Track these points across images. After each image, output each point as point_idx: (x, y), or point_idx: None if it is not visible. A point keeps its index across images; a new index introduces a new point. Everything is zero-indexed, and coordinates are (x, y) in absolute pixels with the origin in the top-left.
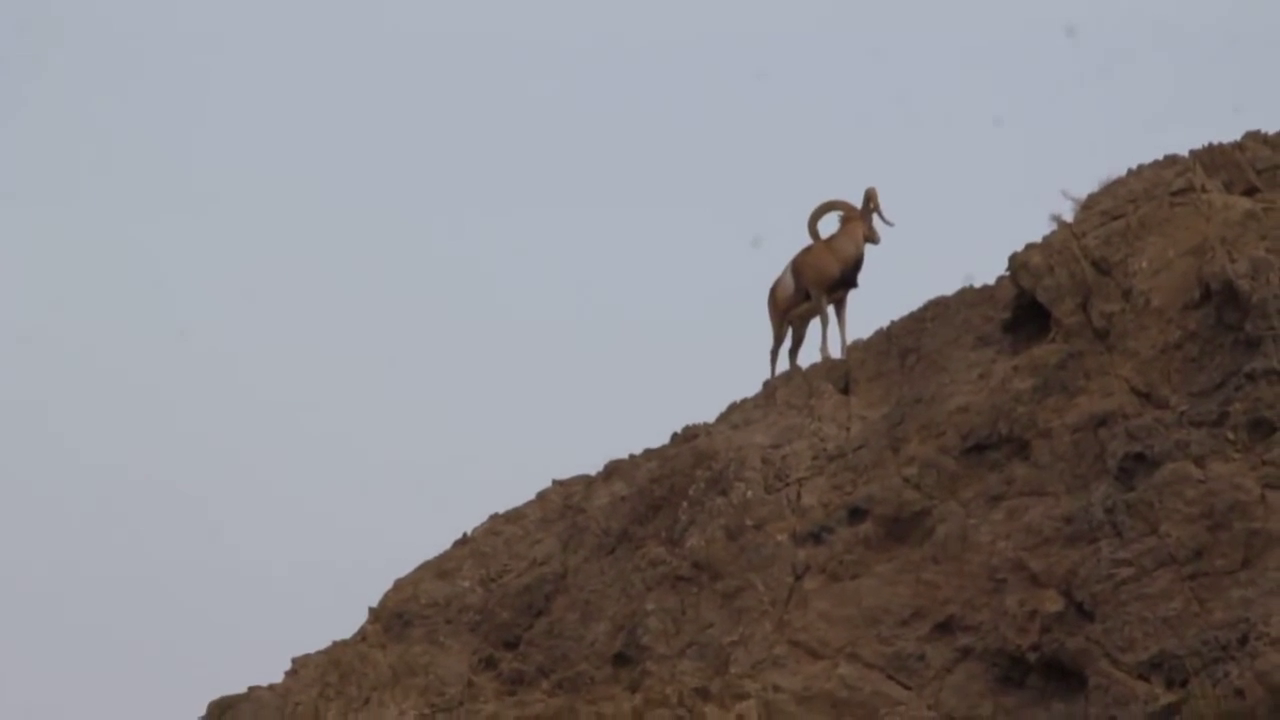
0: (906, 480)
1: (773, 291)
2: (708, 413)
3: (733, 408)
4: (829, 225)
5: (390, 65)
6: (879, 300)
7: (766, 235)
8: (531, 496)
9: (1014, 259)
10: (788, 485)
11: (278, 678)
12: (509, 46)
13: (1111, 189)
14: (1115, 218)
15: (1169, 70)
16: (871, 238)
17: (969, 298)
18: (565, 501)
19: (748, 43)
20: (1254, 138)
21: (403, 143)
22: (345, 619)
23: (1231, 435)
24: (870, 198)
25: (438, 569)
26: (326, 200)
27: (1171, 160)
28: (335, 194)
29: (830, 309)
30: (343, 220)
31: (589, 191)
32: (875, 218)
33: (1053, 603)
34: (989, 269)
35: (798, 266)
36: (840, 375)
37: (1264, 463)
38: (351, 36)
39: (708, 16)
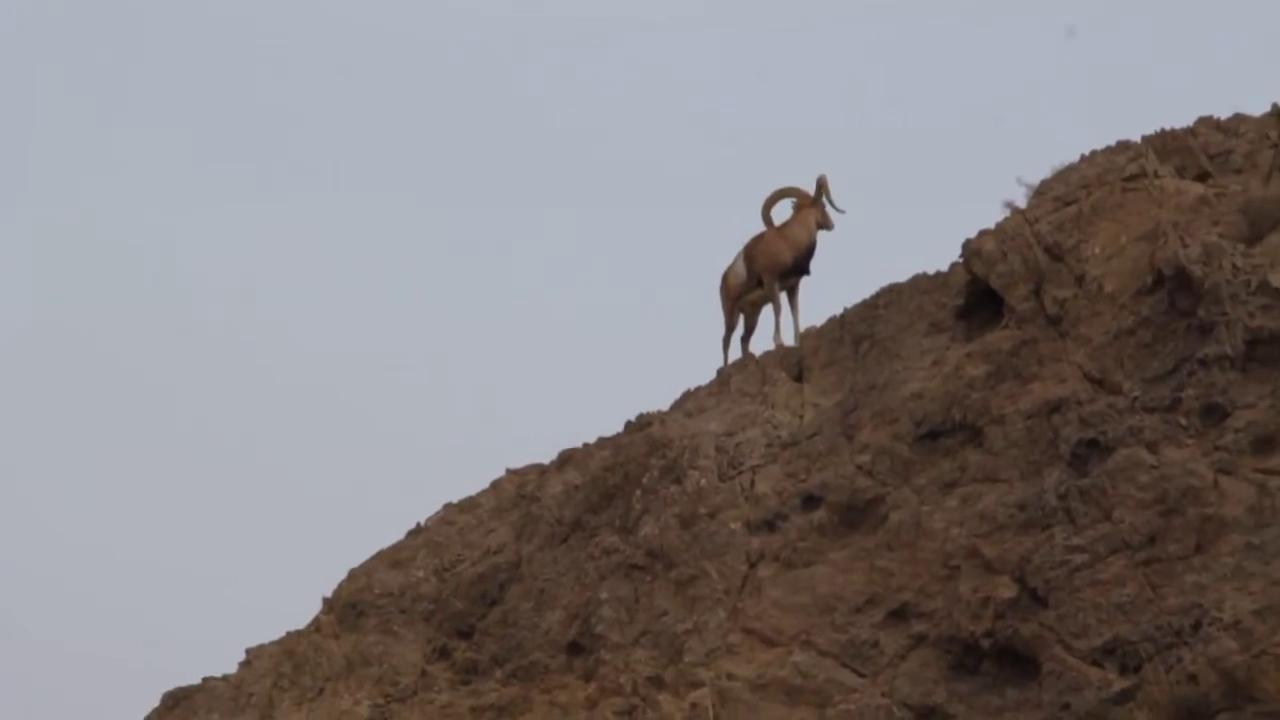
0: (860, 467)
1: (725, 278)
2: (661, 401)
3: (686, 396)
4: (782, 213)
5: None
6: (832, 287)
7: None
8: (485, 485)
9: (967, 245)
10: (741, 473)
11: (232, 668)
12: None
13: (1064, 175)
14: (1068, 204)
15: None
16: (825, 224)
17: (922, 284)
18: (519, 490)
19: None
20: (1206, 123)
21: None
22: (299, 609)
23: (1184, 421)
24: (821, 185)
25: (392, 558)
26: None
27: (1124, 146)
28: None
29: (783, 296)
30: (302, 206)
31: (545, 188)
32: (828, 205)
33: (1006, 589)
34: (943, 256)
35: (750, 253)
36: (793, 362)
37: (1217, 448)
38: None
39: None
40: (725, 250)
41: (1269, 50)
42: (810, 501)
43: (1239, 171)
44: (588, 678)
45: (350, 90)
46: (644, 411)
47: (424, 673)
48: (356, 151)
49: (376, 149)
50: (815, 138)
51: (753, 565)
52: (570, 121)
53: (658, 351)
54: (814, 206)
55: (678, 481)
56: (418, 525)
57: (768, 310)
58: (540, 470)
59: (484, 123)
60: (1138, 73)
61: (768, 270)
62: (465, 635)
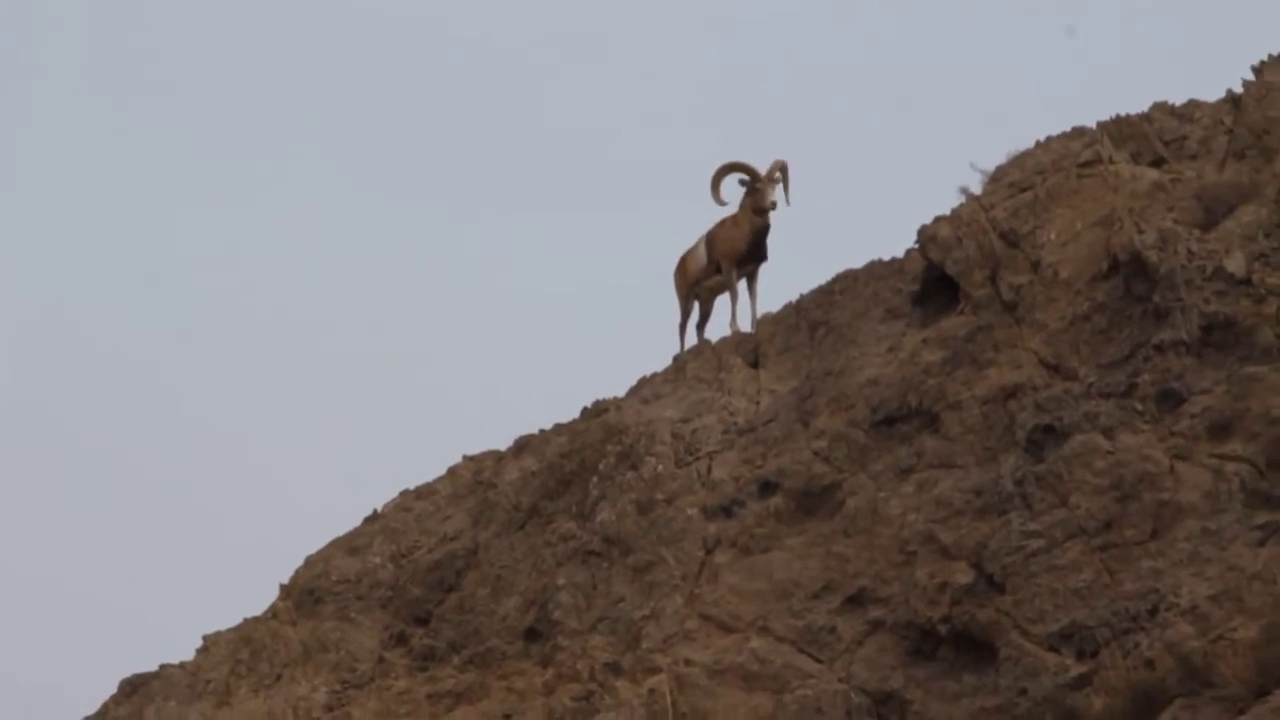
0: (816, 453)
1: (683, 263)
2: (617, 387)
3: (642, 382)
4: (732, 191)
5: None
6: (788, 274)
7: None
8: (442, 472)
9: (922, 232)
10: (698, 459)
11: (189, 655)
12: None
13: (1019, 161)
14: (1023, 190)
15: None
16: (760, 204)
17: (878, 271)
18: (475, 477)
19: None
20: (1161, 109)
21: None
22: (256, 595)
23: (1140, 406)
24: (780, 169)
25: (348, 545)
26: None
27: (1079, 132)
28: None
29: (742, 283)
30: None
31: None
32: (780, 190)
33: (963, 575)
34: (900, 243)
35: (711, 239)
36: (750, 349)
37: (1173, 434)
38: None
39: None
40: (680, 239)
41: (1227, 35)
42: (767, 488)
43: (1194, 157)
44: (545, 664)
45: (350, 90)
46: (600, 398)
47: (381, 659)
48: (345, 148)
49: (375, 147)
50: (815, 137)
51: (709, 551)
52: (539, 117)
53: (614, 338)
54: (764, 186)
55: (634, 468)
56: (374, 512)
57: (724, 297)
58: (497, 457)
59: (472, 119)
60: (1138, 72)
61: (725, 257)
62: (422, 622)
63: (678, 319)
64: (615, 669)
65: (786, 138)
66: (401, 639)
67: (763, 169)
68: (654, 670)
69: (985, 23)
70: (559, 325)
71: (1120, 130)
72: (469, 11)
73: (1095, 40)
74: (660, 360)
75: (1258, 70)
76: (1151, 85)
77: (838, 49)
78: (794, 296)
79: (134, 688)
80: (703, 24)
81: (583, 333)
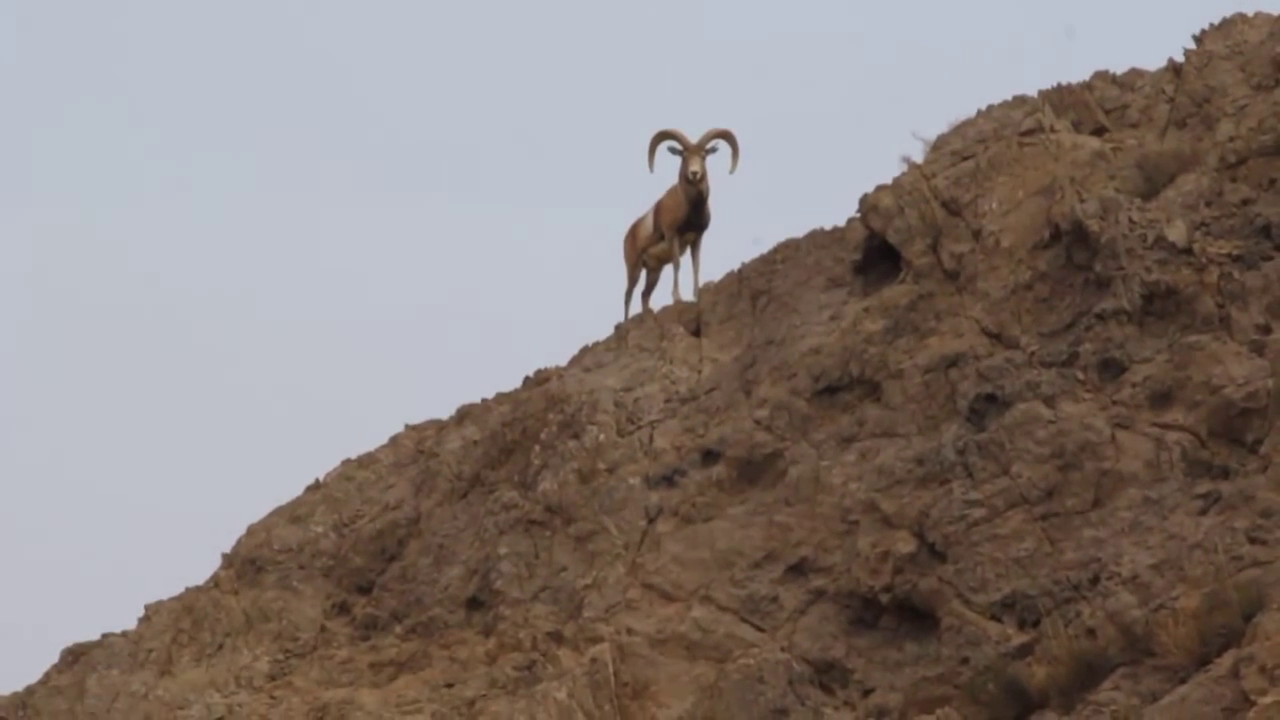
0: (758, 422)
1: (633, 230)
2: (559, 356)
3: (584, 351)
4: (669, 160)
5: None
6: (731, 242)
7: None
8: (383, 441)
9: (864, 200)
10: (640, 428)
11: (131, 624)
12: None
13: (960, 129)
14: (965, 158)
15: None
16: (682, 171)
17: (819, 239)
18: (417, 446)
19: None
20: (1102, 77)
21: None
22: (198, 564)
23: (1081, 375)
24: (721, 137)
25: (290, 514)
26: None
27: (1020, 100)
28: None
29: (686, 252)
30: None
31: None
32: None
33: (905, 544)
34: (841, 211)
35: (658, 207)
36: (691, 318)
37: (1114, 403)
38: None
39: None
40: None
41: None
42: (709, 457)
43: (1135, 126)
44: (487, 633)
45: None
46: (542, 367)
47: (323, 628)
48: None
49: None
50: (815, 137)
51: (651, 520)
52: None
53: (555, 306)
54: (697, 153)
55: (576, 437)
56: (316, 481)
57: (669, 268)
58: (439, 426)
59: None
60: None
61: (667, 225)
62: (364, 591)
63: (624, 286)
64: (557, 638)
65: (783, 133)
66: (344, 608)
67: (695, 138)
68: (596, 640)
69: (985, 22)
70: (500, 295)
71: (1061, 99)
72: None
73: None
74: (603, 329)
75: (1198, 39)
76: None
77: (835, 48)
78: (735, 265)
79: (76, 656)
80: None
81: (526, 299)
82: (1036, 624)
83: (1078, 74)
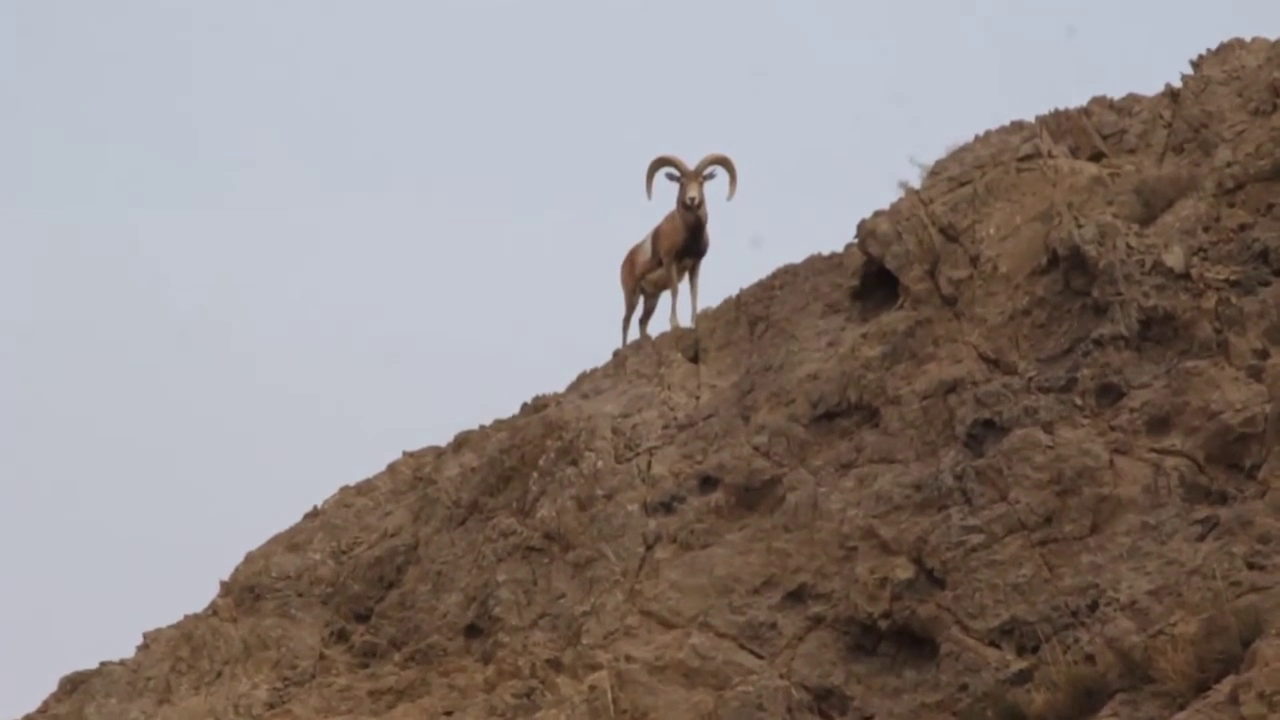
0: (756, 448)
1: (632, 256)
2: (557, 383)
3: (582, 377)
4: (667, 187)
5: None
6: (729, 269)
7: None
8: (381, 468)
9: (862, 226)
10: (638, 455)
11: (129, 652)
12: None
13: (958, 155)
14: (962, 184)
15: None
16: (679, 198)
17: (817, 265)
18: (415, 473)
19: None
20: (1099, 103)
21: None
22: (196, 592)
23: (1080, 401)
24: (718, 163)
25: (288, 542)
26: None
27: (1018, 126)
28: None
29: (684, 278)
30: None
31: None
32: (698, 186)
33: (903, 570)
34: (839, 237)
35: (656, 233)
36: (689, 344)
37: (1112, 428)
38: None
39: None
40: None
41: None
42: (707, 483)
43: (1133, 151)
44: (486, 660)
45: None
46: (540, 393)
47: (322, 656)
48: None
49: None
50: (814, 137)
51: (650, 547)
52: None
53: (554, 333)
54: (695, 179)
55: (574, 463)
56: (314, 508)
57: (667, 294)
58: (437, 453)
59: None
60: (1122, 55)
61: (665, 251)
62: (363, 618)
63: (622, 313)
64: (556, 665)
65: (782, 136)
66: (342, 636)
67: (692, 164)
68: (595, 667)
69: (985, 22)
70: (502, 316)
71: (1059, 124)
72: None
73: (1095, 40)
74: (600, 355)
75: (1196, 64)
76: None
77: (833, 47)
78: (734, 291)
79: (74, 685)
80: None
81: (524, 327)
82: (1035, 650)
83: (1077, 97)
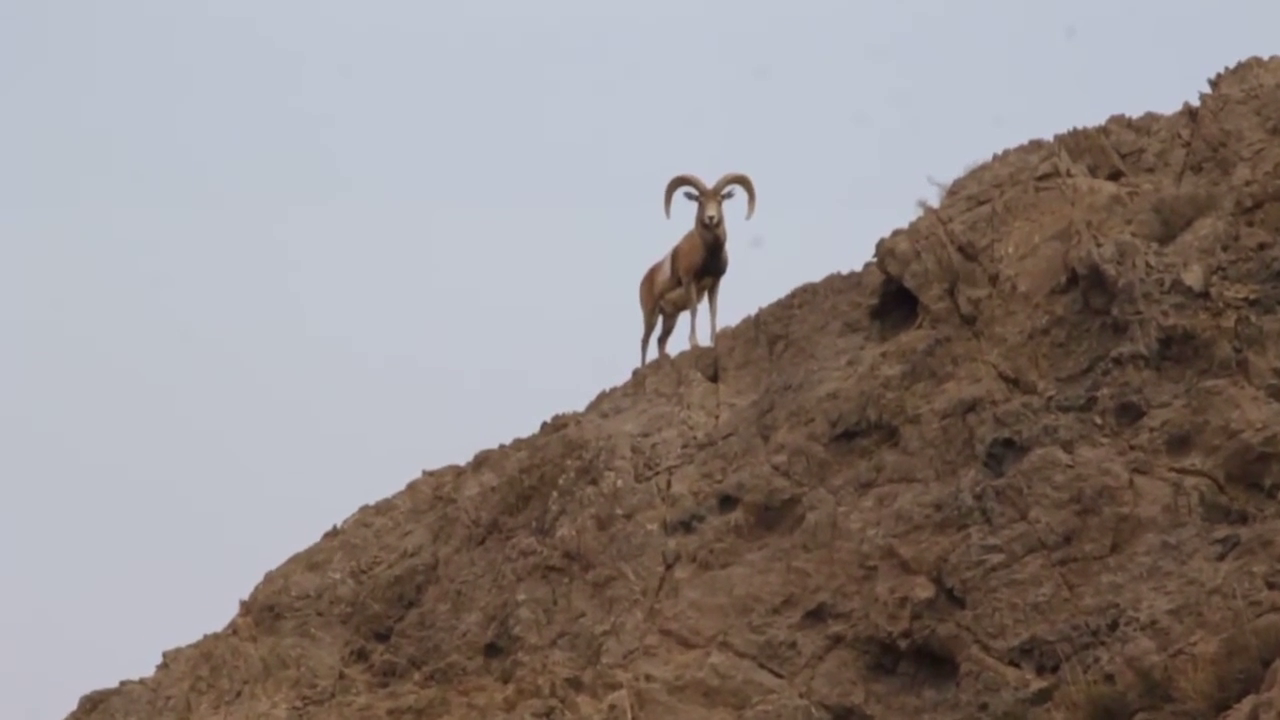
0: (776, 468)
1: (651, 276)
2: (577, 402)
3: (602, 397)
4: (685, 206)
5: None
6: (748, 287)
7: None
8: (401, 487)
9: (881, 245)
10: (657, 474)
11: (149, 671)
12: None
13: (977, 174)
14: (981, 203)
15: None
16: (699, 217)
17: (836, 284)
18: (435, 492)
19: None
20: (1118, 121)
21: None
22: (216, 612)
23: (1099, 420)
24: (737, 182)
25: (308, 561)
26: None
27: (1036, 145)
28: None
29: (703, 298)
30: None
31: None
32: (717, 205)
33: (923, 589)
34: (858, 256)
35: (675, 252)
36: (709, 363)
37: (1132, 447)
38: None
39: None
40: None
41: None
42: (727, 502)
43: (1151, 170)
44: (505, 679)
45: (351, 90)
46: (560, 413)
47: (341, 675)
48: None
49: (375, 148)
50: (814, 137)
51: (669, 566)
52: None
53: (573, 352)
54: (713, 198)
55: (594, 483)
56: (334, 528)
57: (686, 313)
58: (456, 472)
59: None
60: (1138, 72)
61: (684, 270)
62: (382, 638)
63: (640, 333)
64: (576, 684)
65: (783, 140)
66: (362, 655)
67: (711, 183)
68: (615, 686)
69: (985, 23)
70: (520, 340)
71: (1077, 143)
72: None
73: (1095, 40)
74: (620, 375)
75: (1214, 83)
76: (1149, 89)
77: (834, 47)
78: (753, 310)
79: (94, 704)
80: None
81: (544, 346)
82: (1055, 670)
83: (1077, 97)
